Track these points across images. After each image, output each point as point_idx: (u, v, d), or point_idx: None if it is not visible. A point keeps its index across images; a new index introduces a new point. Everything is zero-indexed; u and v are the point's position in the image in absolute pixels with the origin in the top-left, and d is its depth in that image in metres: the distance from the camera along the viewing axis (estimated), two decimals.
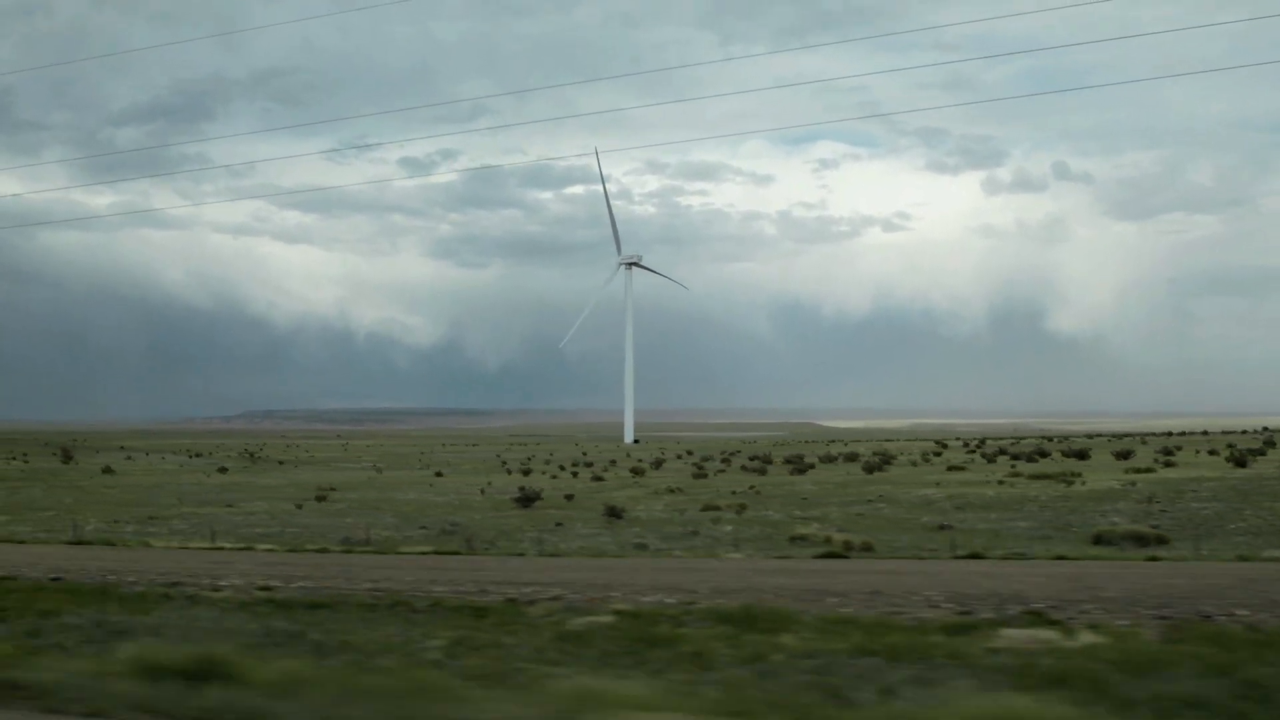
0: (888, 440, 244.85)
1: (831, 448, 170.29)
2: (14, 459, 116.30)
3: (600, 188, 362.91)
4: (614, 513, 38.31)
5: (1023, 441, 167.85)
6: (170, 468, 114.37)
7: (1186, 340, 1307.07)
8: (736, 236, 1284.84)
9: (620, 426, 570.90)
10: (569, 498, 54.13)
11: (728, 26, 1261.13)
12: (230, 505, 54.34)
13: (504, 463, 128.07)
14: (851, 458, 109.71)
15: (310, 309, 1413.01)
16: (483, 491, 63.66)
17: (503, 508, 49.57)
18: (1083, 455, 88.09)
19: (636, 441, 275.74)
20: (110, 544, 25.62)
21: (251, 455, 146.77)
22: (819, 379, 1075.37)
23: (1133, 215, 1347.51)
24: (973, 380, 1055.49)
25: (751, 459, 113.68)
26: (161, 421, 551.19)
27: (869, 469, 77.07)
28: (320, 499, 57.43)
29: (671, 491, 59.46)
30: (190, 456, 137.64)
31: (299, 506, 52.01)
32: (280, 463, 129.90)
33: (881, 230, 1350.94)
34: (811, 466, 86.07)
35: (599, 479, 79.16)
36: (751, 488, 59.66)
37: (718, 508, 43.32)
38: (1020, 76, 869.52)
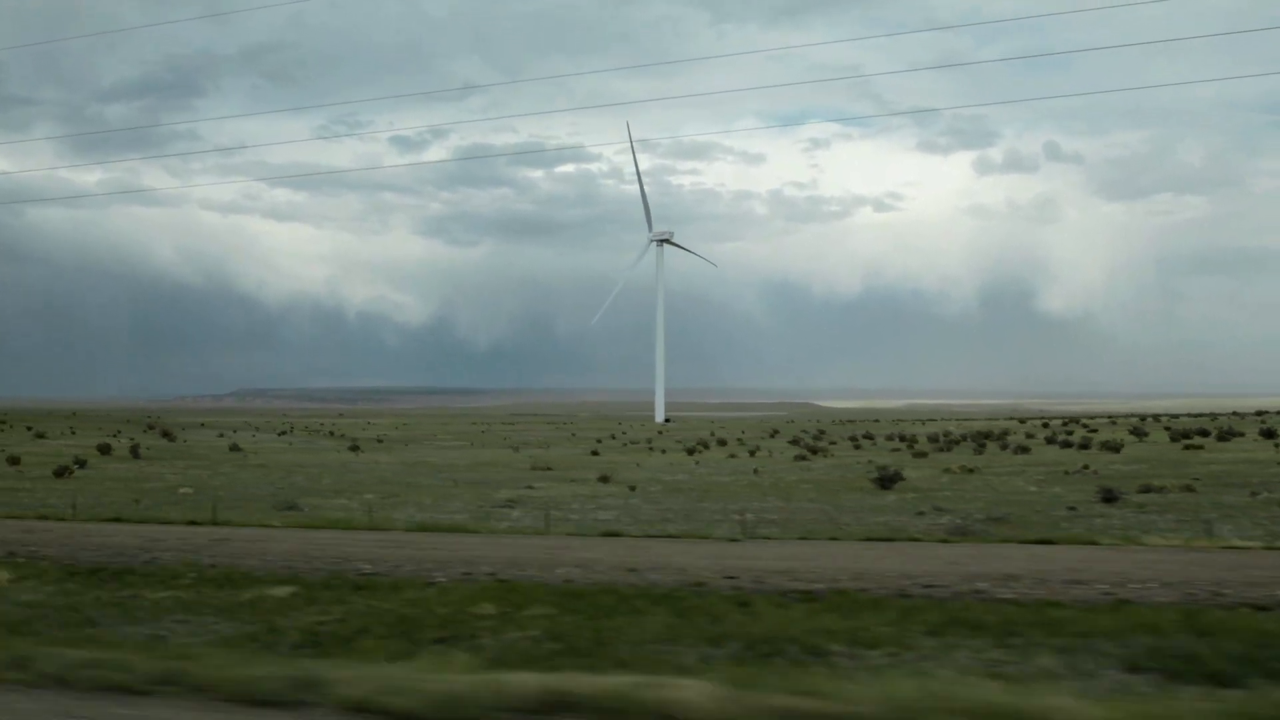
0: (928, 420, 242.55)
1: (913, 427, 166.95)
2: (114, 435, 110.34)
3: (632, 161, 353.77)
4: (1109, 497, 34.16)
5: (1090, 419, 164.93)
6: (280, 445, 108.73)
7: (1175, 320, 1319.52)
8: (727, 216, 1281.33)
9: (617, 405, 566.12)
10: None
11: (721, 5, 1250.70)
12: (530, 488, 49.56)
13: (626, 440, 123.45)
14: (983, 436, 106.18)
15: (301, 287, 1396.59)
16: (756, 471, 59.25)
17: (861, 489, 45.26)
18: None
19: (668, 420, 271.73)
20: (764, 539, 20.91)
21: (330, 434, 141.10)
22: (810, 359, 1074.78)
23: (1123, 196, 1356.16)
24: (963, 360, 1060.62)
25: (900, 438, 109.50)
26: (153, 399, 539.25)
27: (1114, 448, 73.35)
28: (603, 480, 52.74)
29: (969, 471, 55.41)
30: (277, 434, 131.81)
31: (632, 488, 47.35)
32: (379, 440, 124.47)
33: (872, 210, 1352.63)
34: (1024, 448, 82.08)
35: (804, 458, 74.90)
36: (1085, 465, 55.65)
37: (1154, 488, 39.28)
38: (1012, 57, 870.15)
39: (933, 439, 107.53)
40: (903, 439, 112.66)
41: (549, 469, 65.98)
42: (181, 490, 43.81)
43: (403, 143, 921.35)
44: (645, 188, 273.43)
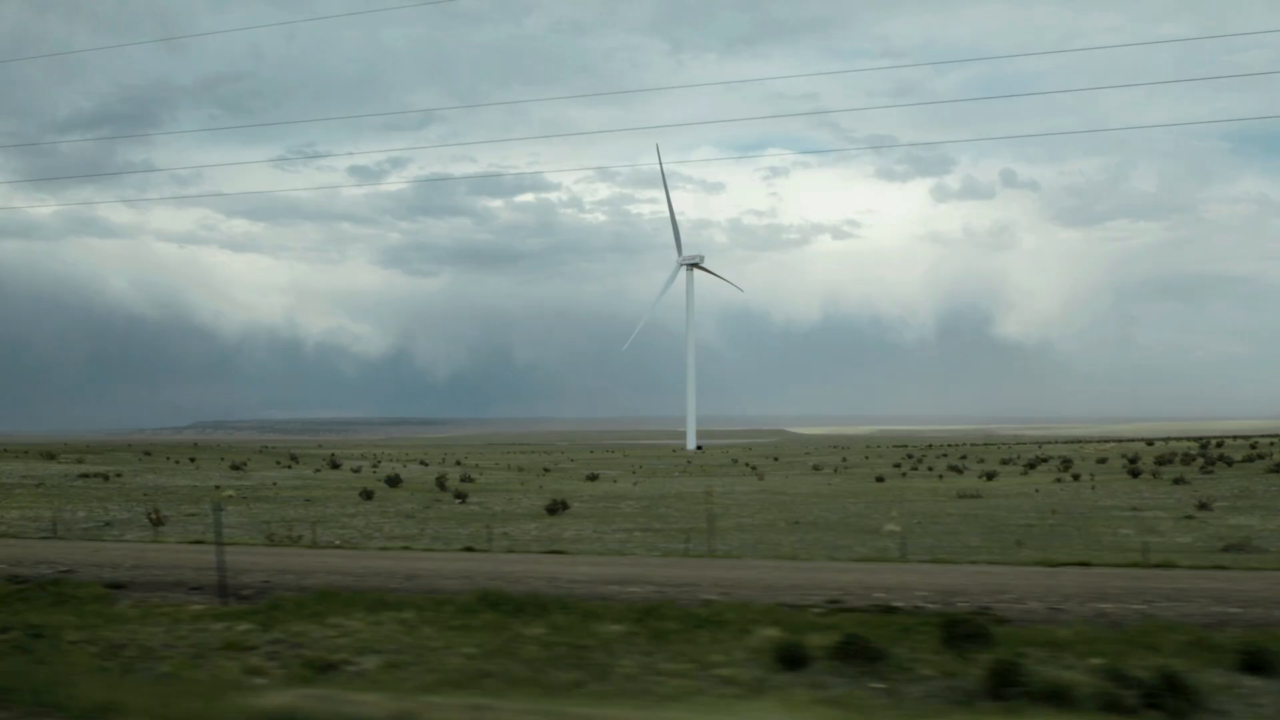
0: (975, 444, 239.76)
1: (1002, 451, 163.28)
2: (288, 467, 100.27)
3: (662, 183, 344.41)
4: None
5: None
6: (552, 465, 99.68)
7: (1131, 346, 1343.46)
8: (687, 244, 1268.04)
9: (591, 435, 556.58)
10: None
11: (678, 35, 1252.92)
12: (1141, 511, 43.29)
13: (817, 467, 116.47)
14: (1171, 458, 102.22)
15: (258, 318, 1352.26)
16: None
17: None
18: None
19: (699, 448, 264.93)
20: None
21: (516, 469, 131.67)
22: (773, 386, 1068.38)
23: (1079, 222, 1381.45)
24: (923, 387, 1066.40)
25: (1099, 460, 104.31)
26: (112, 432, 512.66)
27: None
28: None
29: None
30: (421, 464, 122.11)
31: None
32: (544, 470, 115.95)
33: (831, 238, 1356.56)
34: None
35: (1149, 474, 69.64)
36: None
37: None
38: (968, 85, 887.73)
39: (1126, 462, 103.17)
40: (1117, 461, 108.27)
41: (976, 496, 59.67)
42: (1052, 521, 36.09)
43: (361, 172, 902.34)
44: (675, 213, 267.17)
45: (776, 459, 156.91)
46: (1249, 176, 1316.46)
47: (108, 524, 37.14)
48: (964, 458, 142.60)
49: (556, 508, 44.87)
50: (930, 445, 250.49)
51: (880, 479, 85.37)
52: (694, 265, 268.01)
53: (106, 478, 70.52)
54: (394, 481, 69.87)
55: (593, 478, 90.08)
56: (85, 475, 72.16)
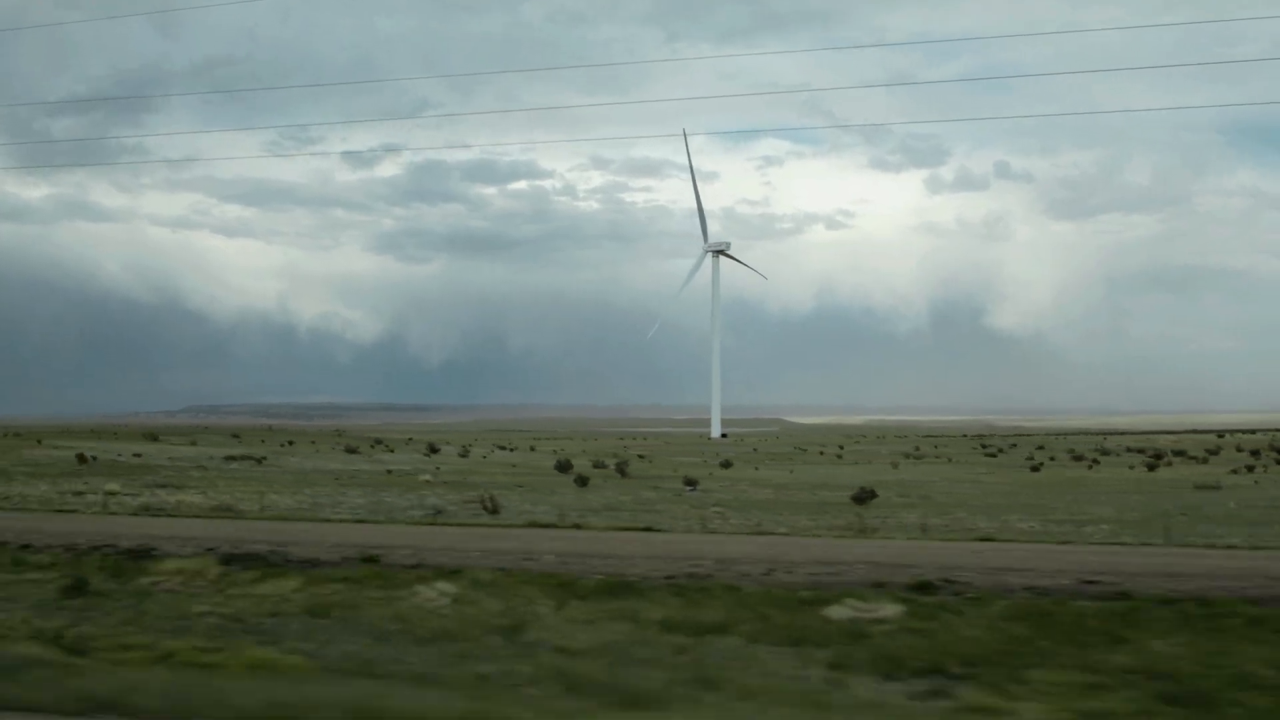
0: (976, 435, 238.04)
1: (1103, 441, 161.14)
2: (387, 450, 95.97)
3: (689, 171, 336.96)
4: None
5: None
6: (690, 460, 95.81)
7: (1123, 338, 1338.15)
8: (681, 233, 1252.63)
9: (591, 421, 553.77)
10: None
11: (674, 25, 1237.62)
12: None
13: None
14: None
15: (251, 303, 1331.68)
16: None
17: None
18: None
19: (724, 436, 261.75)
20: None
21: (623, 457, 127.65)
22: (768, 375, 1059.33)
23: (1072, 214, 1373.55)
24: (917, 377, 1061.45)
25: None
26: (107, 415, 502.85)
27: None
28: None
29: None
30: (500, 449, 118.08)
31: None
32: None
33: (824, 228, 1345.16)
34: None
35: None
36: None
37: None
38: (963, 76, 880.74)
39: (1246, 454, 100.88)
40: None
41: (1217, 488, 56.44)
42: None
43: (354, 158, 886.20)
44: (701, 198, 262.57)
45: (842, 447, 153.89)
46: (1243, 170, 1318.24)
47: (439, 511, 33.07)
48: (1040, 448, 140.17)
49: (864, 496, 41.12)
50: (965, 435, 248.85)
51: (1036, 469, 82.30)
52: (720, 252, 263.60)
53: (258, 461, 66.19)
54: (564, 467, 65.95)
55: (726, 465, 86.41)
56: (231, 458, 67.76)
